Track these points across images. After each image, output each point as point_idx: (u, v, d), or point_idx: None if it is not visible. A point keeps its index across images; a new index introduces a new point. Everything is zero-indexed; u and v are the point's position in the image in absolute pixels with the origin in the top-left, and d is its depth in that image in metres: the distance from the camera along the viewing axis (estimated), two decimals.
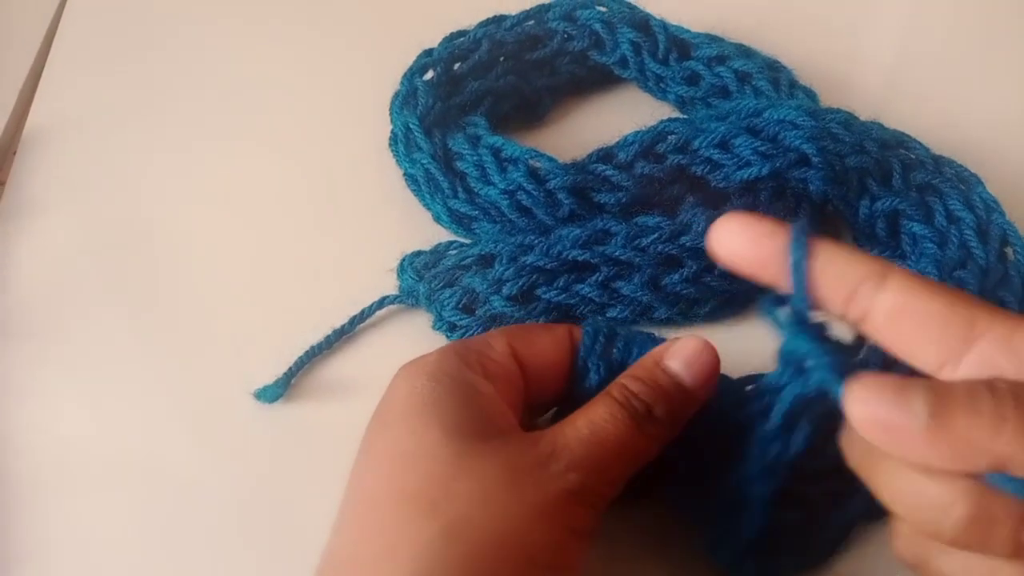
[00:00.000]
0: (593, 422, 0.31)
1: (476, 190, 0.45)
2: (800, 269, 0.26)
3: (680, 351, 0.33)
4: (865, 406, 0.24)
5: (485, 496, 0.29)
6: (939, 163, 0.44)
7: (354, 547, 0.30)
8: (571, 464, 0.30)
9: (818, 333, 0.27)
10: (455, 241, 0.45)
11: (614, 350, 0.35)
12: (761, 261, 0.28)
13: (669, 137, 0.43)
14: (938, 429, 0.23)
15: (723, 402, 0.33)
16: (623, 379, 0.33)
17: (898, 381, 0.24)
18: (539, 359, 0.35)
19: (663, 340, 0.35)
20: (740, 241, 0.28)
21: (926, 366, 0.26)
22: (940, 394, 0.23)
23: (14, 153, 0.52)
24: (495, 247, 0.42)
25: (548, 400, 0.36)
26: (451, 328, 0.42)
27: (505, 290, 0.41)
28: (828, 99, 0.49)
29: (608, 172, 0.43)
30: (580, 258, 0.41)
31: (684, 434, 0.33)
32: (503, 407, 0.32)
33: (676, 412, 0.32)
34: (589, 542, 0.31)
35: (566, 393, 0.35)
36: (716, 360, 0.33)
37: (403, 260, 0.44)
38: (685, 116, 0.50)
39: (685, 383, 0.33)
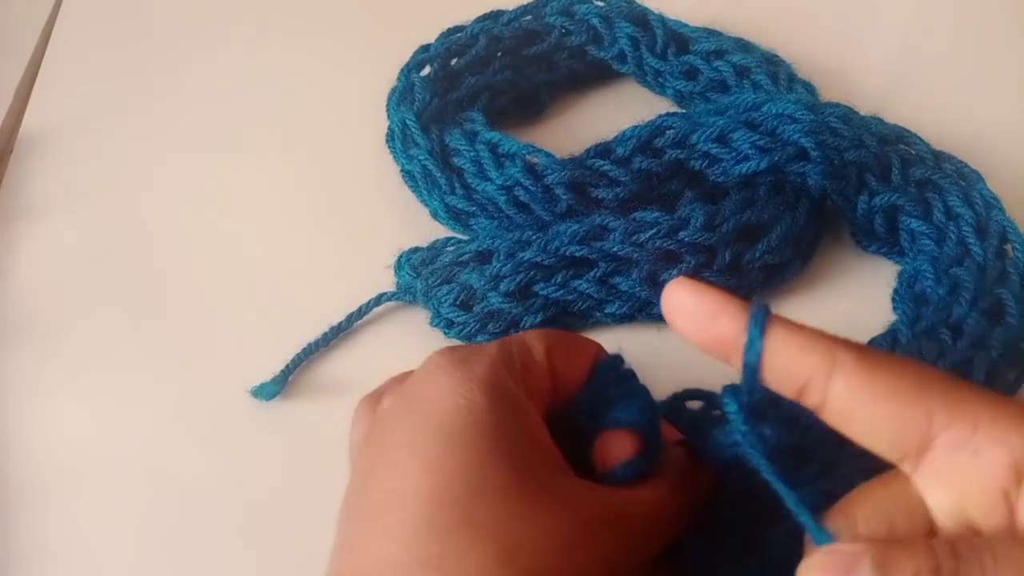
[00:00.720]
0: (652, 497, 0.29)
1: (473, 186, 0.45)
2: (752, 364, 0.26)
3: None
4: None
5: (566, 547, 0.26)
6: (939, 159, 0.44)
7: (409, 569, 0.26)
8: (630, 536, 0.28)
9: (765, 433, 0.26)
10: (452, 237, 0.45)
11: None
12: (714, 341, 0.27)
13: (667, 132, 0.43)
14: None
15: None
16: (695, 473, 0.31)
17: (845, 563, 0.24)
18: (571, 378, 0.32)
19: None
20: (692, 319, 0.27)
21: (887, 457, 0.25)
22: (886, 569, 0.23)
23: (10, 155, 0.52)
24: (493, 243, 0.42)
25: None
26: (448, 324, 0.42)
27: (503, 286, 0.41)
28: (827, 93, 0.49)
29: (606, 167, 0.43)
30: (578, 254, 0.41)
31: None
32: (549, 439, 0.29)
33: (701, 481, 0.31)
34: None
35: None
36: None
37: (400, 256, 0.44)
38: (683, 111, 0.50)
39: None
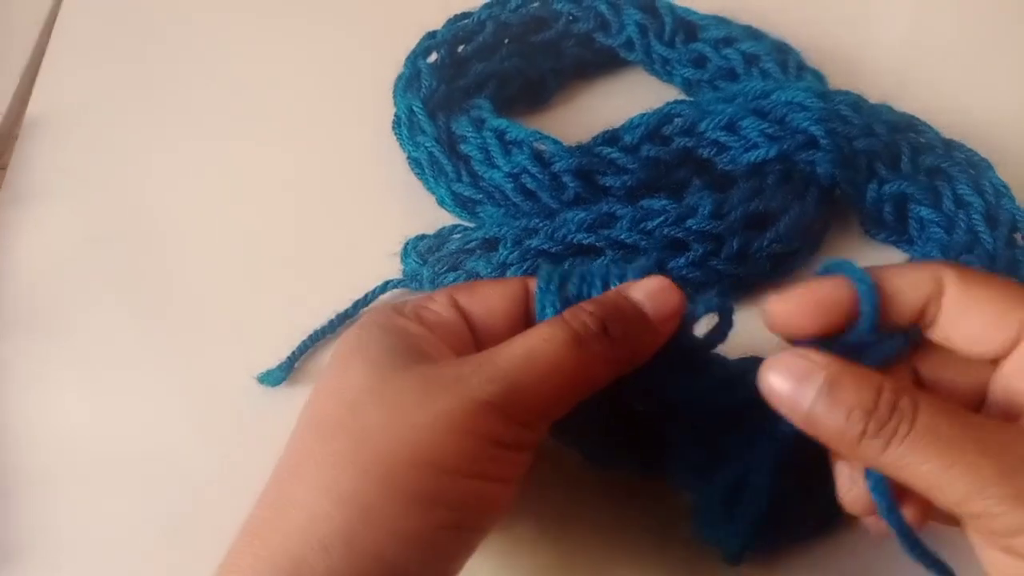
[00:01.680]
0: (528, 339, 0.30)
1: (480, 173, 0.44)
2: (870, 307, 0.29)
3: (644, 284, 0.32)
4: (774, 380, 0.29)
5: (394, 411, 0.29)
6: (949, 147, 0.44)
7: (272, 477, 0.31)
8: (492, 376, 0.29)
9: None
10: (459, 225, 0.45)
11: (570, 286, 0.33)
12: (825, 326, 0.30)
13: (675, 119, 0.43)
14: (814, 422, 0.28)
15: (722, 383, 0.33)
16: (579, 305, 0.32)
17: (803, 369, 0.28)
18: (485, 308, 0.34)
19: (624, 268, 0.33)
20: (801, 320, 0.30)
21: (984, 357, 0.29)
22: (832, 389, 0.28)
23: (15, 139, 0.52)
24: (499, 231, 0.42)
25: None
26: None
27: (510, 273, 0.41)
28: (837, 81, 0.48)
29: (614, 155, 0.42)
30: (585, 241, 0.41)
31: (685, 412, 0.33)
32: (438, 346, 0.32)
33: (633, 335, 0.31)
34: (522, 456, 0.30)
35: None
36: (681, 298, 0.32)
37: (407, 244, 0.44)
38: (692, 99, 0.49)
39: (647, 311, 0.31)
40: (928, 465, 0.27)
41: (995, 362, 0.30)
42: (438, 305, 0.34)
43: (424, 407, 0.29)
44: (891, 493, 0.28)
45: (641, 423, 0.34)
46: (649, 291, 0.32)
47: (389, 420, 0.29)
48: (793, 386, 0.28)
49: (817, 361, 0.29)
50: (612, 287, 0.33)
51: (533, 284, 0.34)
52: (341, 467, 0.28)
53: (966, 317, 0.29)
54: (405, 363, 0.30)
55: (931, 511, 0.30)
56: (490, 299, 0.34)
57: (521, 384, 0.29)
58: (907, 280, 0.30)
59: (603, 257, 0.41)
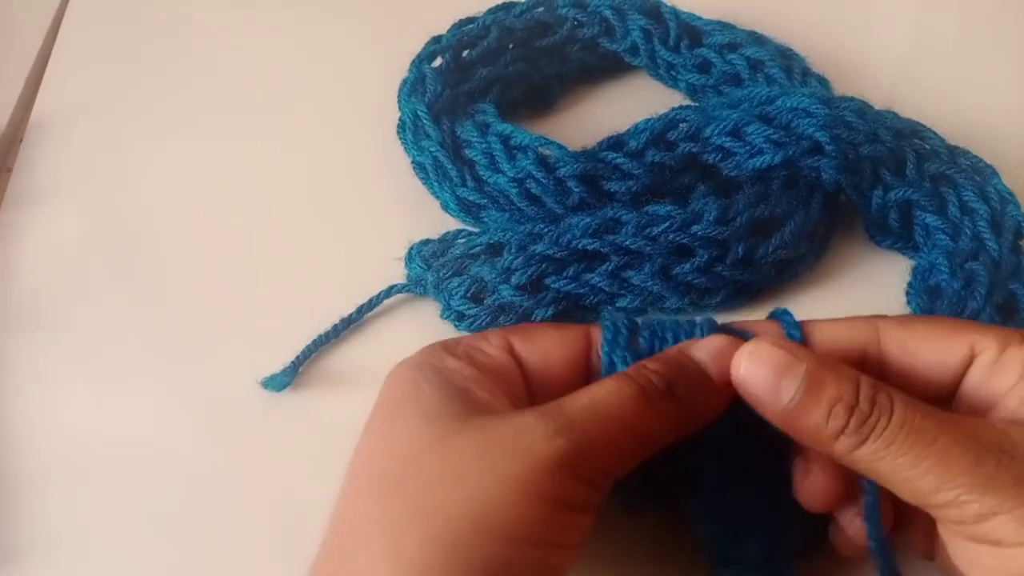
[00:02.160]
0: (596, 394, 0.29)
1: (485, 178, 0.44)
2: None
3: (707, 343, 0.31)
4: (751, 369, 0.29)
5: (457, 471, 0.27)
6: (954, 153, 0.44)
7: (329, 533, 0.29)
8: (560, 429, 0.28)
9: None
10: (463, 230, 0.45)
11: (640, 340, 0.33)
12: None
13: (680, 125, 0.43)
14: (792, 417, 0.28)
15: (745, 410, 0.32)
16: (643, 361, 0.31)
17: (783, 362, 0.28)
18: (542, 356, 0.33)
19: (692, 324, 0.33)
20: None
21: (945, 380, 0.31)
22: (812, 384, 0.28)
23: (20, 141, 0.52)
24: (504, 236, 0.42)
25: None
26: (459, 317, 0.42)
27: (514, 279, 0.41)
28: (841, 87, 0.48)
29: (619, 160, 0.42)
30: (590, 247, 0.41)
31: (706, 443, 0.31)
32: (492, 392, 0.31)
33: (698, 396, 0.30)
34: (587, 518, 0.29)
35: None
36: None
37: (411, 249, 0.44)
38: (696, 104, 0.49)
39: (711, 373, 0.31)
40: (903, 459, 0.27)
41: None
42: (492, 348, 0.33)
43: (489, 468, 0.27)
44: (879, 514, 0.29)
45: (670, 466, 0.32)
46: (713, 352, 0.31)
47: (452, 482, 0.27)
48: (772, 379, 0.28)
49: (797, 354, 0.29)
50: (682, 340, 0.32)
51: (596, 334, 0.33)
52: (404, 532, 0.27)
53: (913, 351, 0.31)
54: (462, 413, 0.29)
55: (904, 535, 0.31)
56: (548, 346, 0.33)
57: (589, 437, 0.28)
58: (842, 328, 0.32)
59: (673, 313, 0.41)
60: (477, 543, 0.26)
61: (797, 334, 0.31)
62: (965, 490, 0.26)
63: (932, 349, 0.31)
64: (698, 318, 0.33)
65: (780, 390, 0.28)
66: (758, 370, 0.29)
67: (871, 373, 0.29)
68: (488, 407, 0.30)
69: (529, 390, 0.33)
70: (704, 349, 0.31)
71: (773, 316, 0.33)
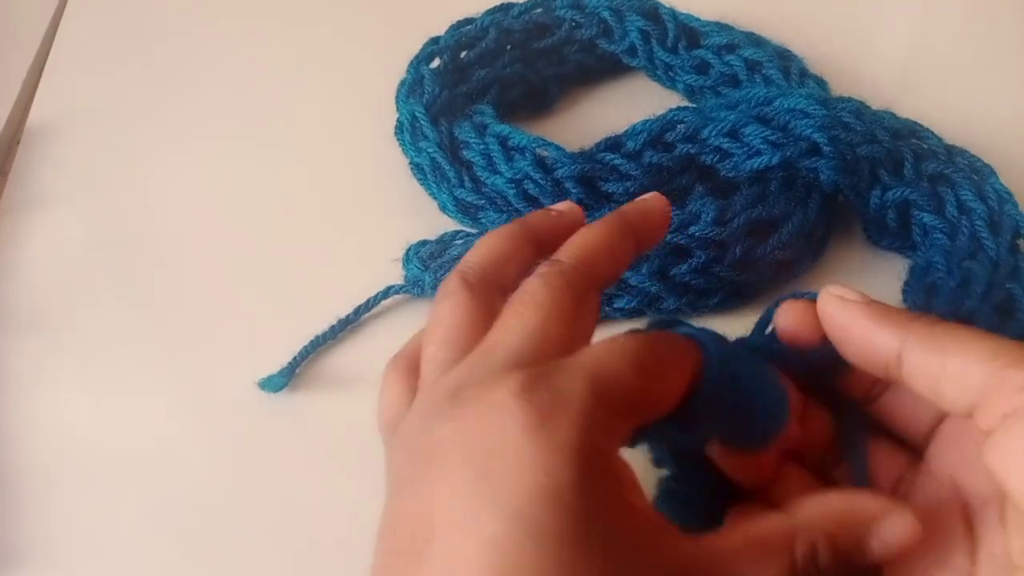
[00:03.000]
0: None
1: (483, 179, 0.44)
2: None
3: (890, 539, 0.26)
4: (835, 287, 0.29)
5: None
6: (952, 153, 0.44)
7: None
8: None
9: None
10: (461, 231, 0.45)
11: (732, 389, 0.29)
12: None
13: (678, 126, 0.43)
14: (872, 305, 0.29)
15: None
16: (820, 536, 0.25)
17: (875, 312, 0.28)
18: (666, 397, 0.27)
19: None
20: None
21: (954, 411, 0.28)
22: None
23: (18, 144, 0.52)
24: None
25: None
26: None
27: None
28: (839, 88, 0.48)
29: (616, 161, 0.42)
30: None
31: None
32: (645, 501, 0.26)
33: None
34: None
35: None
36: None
37: (408, 249, 0.44)
38: (694, 105, 0.49)
39: (866, 562, 0.26)
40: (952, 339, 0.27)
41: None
42: (635, 403, 0.26)
43: None
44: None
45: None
46: (888, 547, 0.26)
47: None
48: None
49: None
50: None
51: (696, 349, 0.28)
52: None
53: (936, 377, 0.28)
54: (633, 561, 0.23)
55: None
56: (674, 386, 0.27)
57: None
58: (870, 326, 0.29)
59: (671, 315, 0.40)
60: None
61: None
62: (1008, 362, 0.25)
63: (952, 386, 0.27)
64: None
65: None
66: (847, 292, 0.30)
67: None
68: (654, 538, 0.24)
69: None
70: (883, 543, 0.26)
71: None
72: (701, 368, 0.28)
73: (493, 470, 0.22)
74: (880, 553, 0.25)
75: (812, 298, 0.31)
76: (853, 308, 0.29)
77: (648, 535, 0.23)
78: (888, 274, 0.43)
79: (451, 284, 0.29)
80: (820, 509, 0.26)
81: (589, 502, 0.22)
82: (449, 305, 0.29)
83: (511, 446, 0.23)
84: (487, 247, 0.31)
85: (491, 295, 0.29)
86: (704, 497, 0.32)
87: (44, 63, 0.57)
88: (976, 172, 0.43)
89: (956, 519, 0.27)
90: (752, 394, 0.29)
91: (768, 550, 0.24)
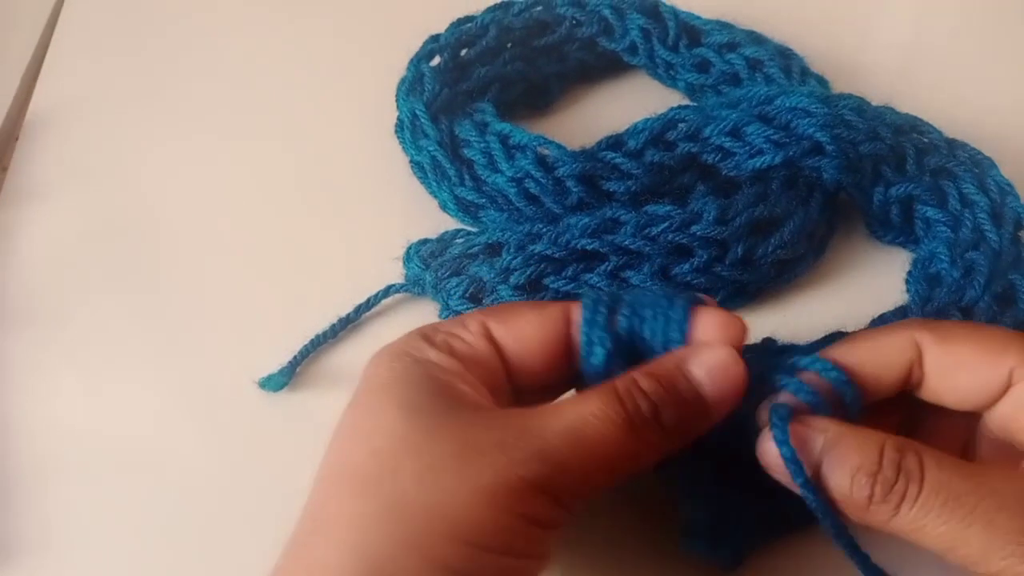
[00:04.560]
0: (580, 415, 0.28)
1: (483, 178, 0.44)
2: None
3: (707, 359, 0.30)
4: (772, 449, 0.29)
5: (431, 473, 0.27)
6: (953, 147, 0.44)
7: (298, 524, 0.29)
8: (537, 454, 0.27)
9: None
10: (462, 229, 0.44)
11: (620, 319, 0.31)
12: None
13: (679, 125, 0.43)
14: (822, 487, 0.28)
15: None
16: (635, 373, 0.29)
17: (802, 436, 0.28)
18: (520, 339, 0.32)
19: (677, 302, 0.31)
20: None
21: (974, 408, 0.30)
22: (832, 451, 0.28)
23: (16, 139, 0.52)
24: (502, 235, 0.42)
25: (554, 382, 0.33)
26: None
27: (513, 279, 0.41)
28: (839, 85, 0.48)
29: (618, 160, 0.42)
30: (589, 247, 0.41)
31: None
32: (473, 384, 0.30)
33: (686, 423, 0.29)
34: (555, 533, 0.29)
35: (576, 374, 0.32)
36: (744, 377, 0.30)
37: (409, 248, 0.43)
38: (695, 103, 0.49)
39: (705, 394, 0.29)
40: (944, 527, 0.26)
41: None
42: (470, 335, 0.32)
43: (464, 477, 0.27)
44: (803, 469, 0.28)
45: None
46: (712, 369, 0.30)
47: (425, 486, 0.27)
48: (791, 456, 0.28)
49: (815, 426, 0.28)
50: (660, 320, 0.31)
51: (576, 312, 0.32)
52: (372, 530, 0.27)
53: (952, 376, 0.30)
54: (442, 409, 0.29)
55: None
56: (526, 329, 0.32)
57: (568, 465, 0.27)
58: (883, 354, 0.30)
59: (650, 286, 0.39)
60: (445, 549, 0.26)
61: (849, 391, 0.30)
62: (1018, 558, 0.25)
63: (971, 375, 0.30)
64: (677, 298, 0.31)
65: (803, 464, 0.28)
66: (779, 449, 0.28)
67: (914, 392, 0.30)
68: (470, 402, 0.30)
69: (509, 373, 0.32)
70: (703, 366, 0.30)
71: (803, 365, 0.31)
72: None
73: (357, 386, 0.31)
74: (707, 377, 0.29)
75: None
76: None
77: (463, 402, 0.29)
78: (890, 270, 0.43)
79: None
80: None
81: (396, 376, 0.30)
82: None
83: (364, 370, 0.32)
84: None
85: None
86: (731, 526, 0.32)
87: (43, 56, 0.57)
88: (977, 165, 0.43)
89: None
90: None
91: (588, 394, 0.29)
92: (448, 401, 0.29)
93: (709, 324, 0.31)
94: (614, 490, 0.34)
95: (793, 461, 0.28)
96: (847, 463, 0.27)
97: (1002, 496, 0.26)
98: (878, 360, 0.30)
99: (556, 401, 0.30)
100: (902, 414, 0.32)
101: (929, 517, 0.26)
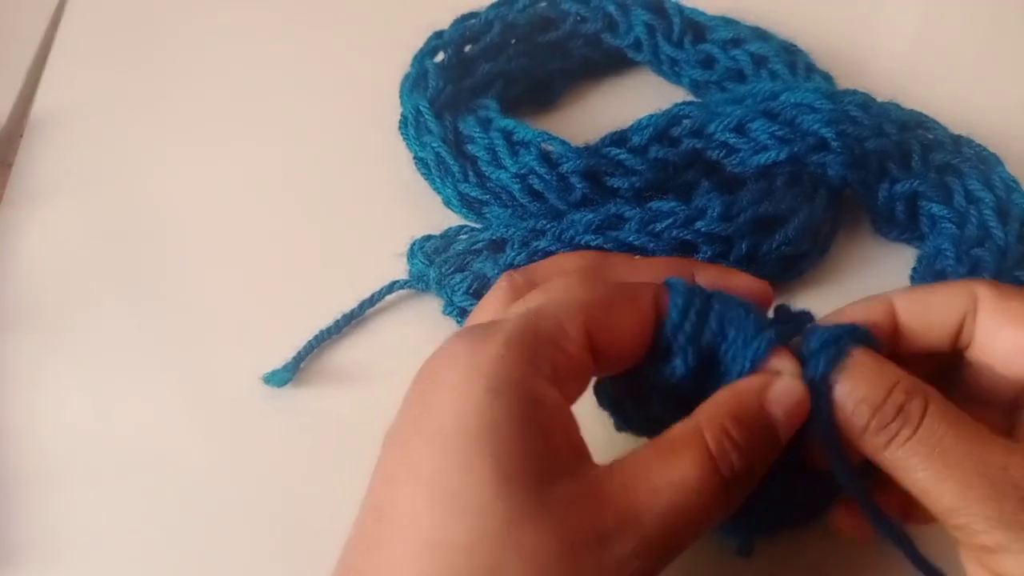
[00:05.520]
0: (677, 488, 0.26)
1: (487, 174, 0.44)
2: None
3: (784, 400, 0.28)
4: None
5: (546, 569, 0.24)
6: (958, 143, 0.44)
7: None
8: (640, 549, 0.25)
9: None
10: (466, 226, 0.44)
11: (706, 331, 0.30)
12: None
13: (684, 121, 0.43)
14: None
15: None
16: (725, 420, 0.28)
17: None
18: (618, 345, 0.29)
19: (764, 336, 0.29)
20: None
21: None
22: (848, 377, 0.28)
23: (20, 139, 0.52)
24: (506, 232, 0.42)
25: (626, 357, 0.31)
26: (461, 314, 0.41)
27: None
28: (844, 81, 0.48)
29: (622, 156, 0.42)
30: (593, 243, 0.41)
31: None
32: (571, 428, 0.28)
33: (766, 466, 0.28)
34: None
35: (638, 367, 0.30)
36: (806, 412, 0.29)
37: (413, 244, 0.43)
38: (700, 100, 0.49)
39: (780, 434, 0.28)
40: (923, 473, 0.27)
41: None
42: (574, 347, 0.28)
43: None
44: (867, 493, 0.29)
45: (677, 402, 0.31)
46: (789, 409, 0.29)
47: None
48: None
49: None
50: (738, 346, 0.30)
51: (663, 301, 0.30)
52: None
53: (1003, 332, 0.29)
54: (542, 478, 0.25)
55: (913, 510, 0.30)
56: (625, 330, 0.29)
57: (667, 550, 0.26)
58: (940, 296, 0.30)
59: (737, 304, 0.38)
60: None
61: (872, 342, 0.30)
62: (978, 520, 0.26)
63: (938, 304, 0.30)
64: (764, 329, 0.30)
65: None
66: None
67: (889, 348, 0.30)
68: (568, 460, 0.26)
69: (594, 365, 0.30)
70: (781, 406, 0.28)
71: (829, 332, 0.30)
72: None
73: (430, 387, 0.27)
74: (783, 416, 0.28)
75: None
76: None
77: (561, 458, 0.26)
78: (896, 266, 0.43)
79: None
80: (713, 401, 0.29)
81: (493, 420, 0.25)
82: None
83: (442, 369, 0.27)
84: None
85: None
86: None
87: (47, 56, 0.57)
88: (983, 161, 0.43)
89: None
90: (724, 336, 0.30)
91: (678, 448, 0.27)
92: (551, 461, 0.26)
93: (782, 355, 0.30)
94: None
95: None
96: (856, 391, 0.28)
97: (986, 462, 0.26)
98: (935, 298, 0.30)
99: (647, 462, 0.27)
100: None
101: (912, 461, 0.27)
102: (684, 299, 0.30)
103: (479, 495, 0.25)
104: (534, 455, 0.26)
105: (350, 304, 0.42)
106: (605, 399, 0.32)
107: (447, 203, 0.46)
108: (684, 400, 0.29)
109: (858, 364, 0.28)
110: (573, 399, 0.29)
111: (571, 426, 0.28)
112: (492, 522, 0.25)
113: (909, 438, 0.27)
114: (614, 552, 0.25)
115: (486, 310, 0.33)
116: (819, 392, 0.29)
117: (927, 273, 0.40)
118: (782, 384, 0.29)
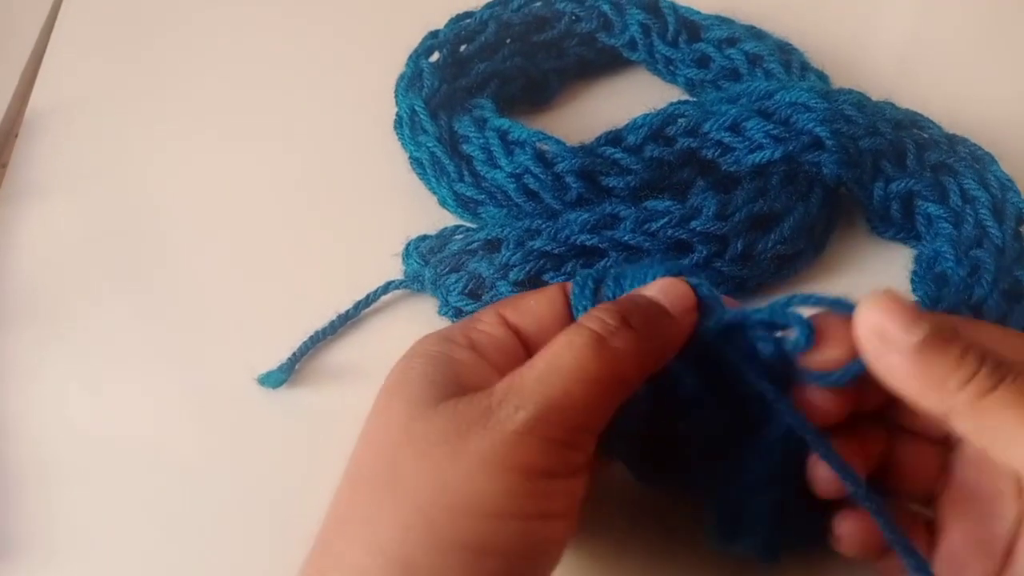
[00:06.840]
0: (550, 352, 0.29)
1: (482, 173, 0.44)
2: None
3: (653, 284, 0.32)
4: (874, 314, 0.27)
5: (425, 456, 0.28)
6: (953, 142, 0.44)
7: (322, 526, 0.30)
8: (521, 402, 0.28)
9: None
10: (461, 225, 0.44)
11: (604, 289, 0.33)
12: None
13: (679, 120, 0.43)
14: (918, 358, 0.27)
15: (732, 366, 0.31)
16: (591, 309, 0.31)
17: (911, 308, 0.27)
18: (534, 320, 0.33)
19: (654, 269, 0.32)
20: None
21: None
22: (937, 336, 0.27)
23: (16, 136, 0.52)
24: (502, 231, 0.42)
25: None
26: (457, 313, 0.41)
27: (512, 275, 0.41)
28: (839, 80, 0.48)
29: (617, 155, 0.42)
30: (588, 243, 0.41)
31: (694, 412, 0.32)
32: (484, 370, 0.31)
33: (654, 326, 0.30)
34: (571, 483, 0.29)
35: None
36: (691, 292, 0.31)
37: (408, 245, 0.43)
38: (695, 99, 0.49)
39: (663, 303, 0.31)
40: (1008, 427, 0.26)
41: None
42: (487, 324, 0.32)
43: (456, 451, 0.27)
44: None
45: (682, 441, 0.33)
46: (662, 287, 0.31)
47: (421, 467, 0.28)
48: (906, 314, 0.27)
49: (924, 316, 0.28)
50: (637, 286, 0.32)
51: (570, 288, 0.33)
52: (381, 521, 0.27)
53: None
54: (441, 396, 0.29)
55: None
56: (536, 310, 0.33)
57: (549, 400, 0.28)
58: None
59: (645, 258, 0.40)
60: (453, 524, 0.27)
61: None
62: None
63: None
64: (655, 266, 0.33)
65: (913, 325, 0.27)
66: (892, 304, 0.27)
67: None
68: (473, 388, 0.29)
69: (530, 352, 0.32)
70: (652, 288, 0.31)
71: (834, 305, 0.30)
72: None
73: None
74: (658, 295, 0.31)
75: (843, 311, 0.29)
76: (892, 360, 0.27)
77: (469, 389, 0.29)
78: (890, 266, 0.43)
79: None
80: None
81: (408, 374, 0.31)
82: None
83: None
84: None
85: None
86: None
87: (43, 53, 0.57)
88: (977, 160, 0.43)
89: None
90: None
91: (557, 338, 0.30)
92: (451, 387, 0.30)
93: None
94: (643, 489, 0.35)
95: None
96: (957, 343, 0.27)
97: None
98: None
99: (531, 361, 0.30)
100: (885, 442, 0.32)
101: (1005, 413, 0.26)
102: (581, 275, 0.33)
103: (388, 424, 0.30)
104: (437, 388, 0.29)
105: (345, 304, 0.42)
106: (615, 453, 0.33)
107: (442, 203, 0.46)
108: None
109: (942, 322, 0.28)
110: (511, 366, 0.30)
111: (484, 372, 0.31)
112: (394, 433, 0.29)
113: (1013, 382, 0.26)
114: (498, 416, 0.28)
115: None
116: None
117: (927, 276, 0.40)
118: (655, 281, 0.32)
